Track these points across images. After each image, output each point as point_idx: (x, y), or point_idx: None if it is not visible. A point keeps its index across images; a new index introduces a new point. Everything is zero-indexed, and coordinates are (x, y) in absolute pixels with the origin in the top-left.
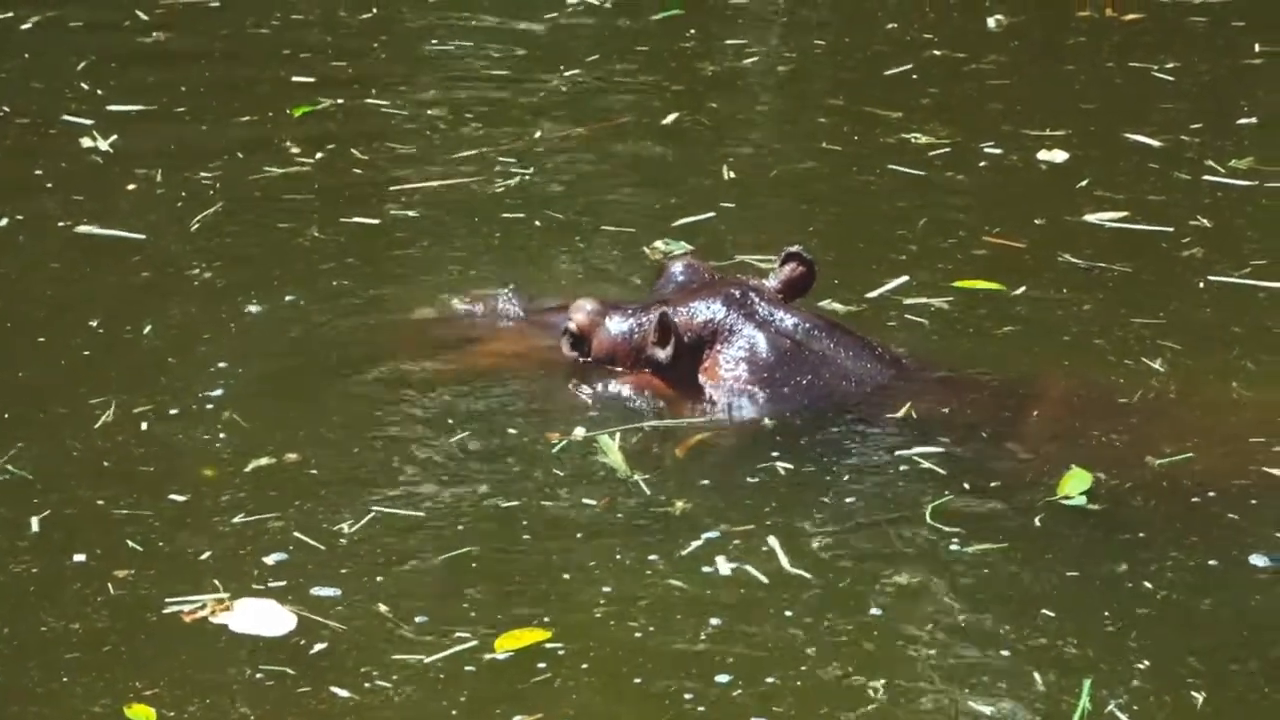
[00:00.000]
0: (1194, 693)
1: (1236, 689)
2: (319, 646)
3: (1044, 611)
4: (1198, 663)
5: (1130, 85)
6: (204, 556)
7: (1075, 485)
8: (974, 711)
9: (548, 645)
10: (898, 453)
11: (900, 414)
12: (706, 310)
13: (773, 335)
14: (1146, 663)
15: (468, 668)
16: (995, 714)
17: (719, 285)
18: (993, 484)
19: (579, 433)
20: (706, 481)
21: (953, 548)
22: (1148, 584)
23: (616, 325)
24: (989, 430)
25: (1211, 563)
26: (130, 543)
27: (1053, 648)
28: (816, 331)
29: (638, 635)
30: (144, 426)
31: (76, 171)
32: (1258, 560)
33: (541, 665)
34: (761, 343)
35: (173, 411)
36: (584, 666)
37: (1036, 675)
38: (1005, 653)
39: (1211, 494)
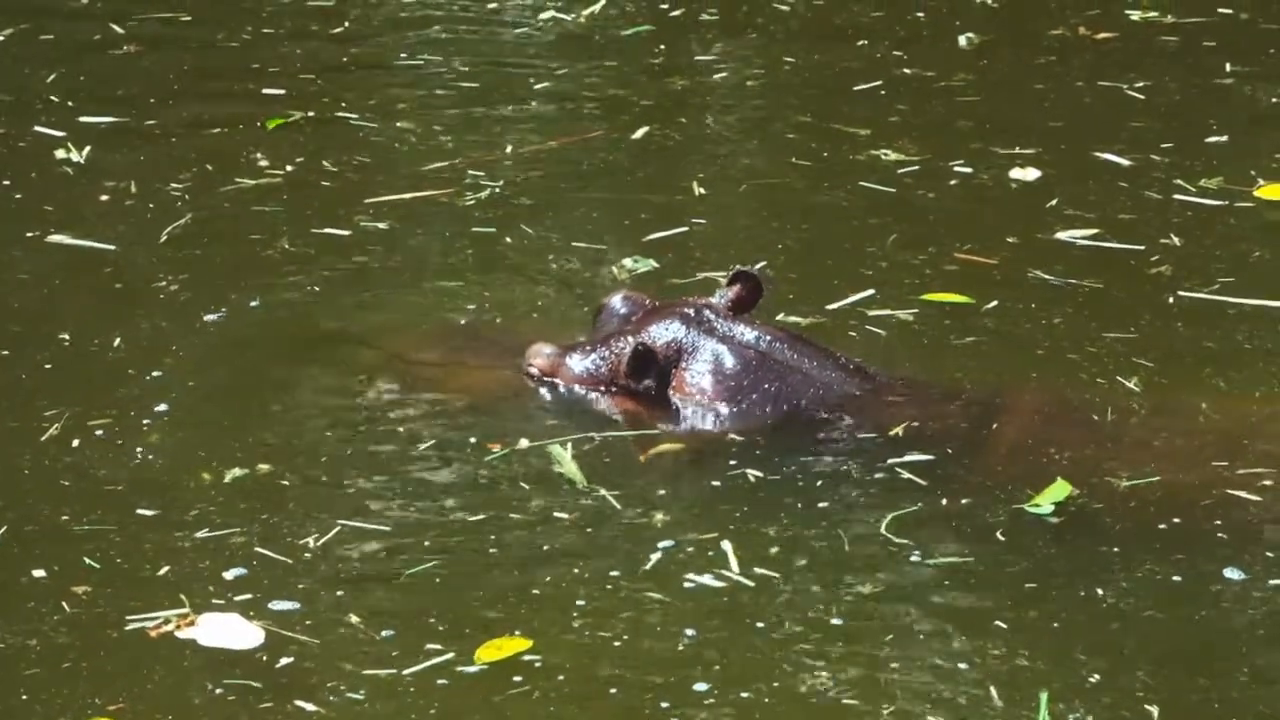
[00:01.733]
0: (1148, 705)
1: (1191, 702)
2: (286, 660)
3: (999, 624)
4: (1151, 676)
5: (1101, 104)
6: (166, 571)
7: (1052, 496)
8: None
9: (523, 658)
10: (864, 462)
11: (867, 424)
12: (666, 331)
13: (736, 348)
14: (1099, 676)
15: (440, 680)
16: None
17: (673, 307)
18: (959, 495)
19: (523, 443)
20: (672, 491)
21: (913, 558)
22: (1107, 597)
23: (579, 364)
24: (957, 441)
25: (1175, 578)
26: (88, 559)
27: (1008, 662)
28: (778, 343)
29: (615, 645)
30: (110, 439)
31: (46, 183)
32: (1231, 574)
33: (516, 678)
34: (726, 356)
35: (141, 423)
36: (559, 678)
37: (993, 690)
38: (963, 665)
39: (1177, 509)
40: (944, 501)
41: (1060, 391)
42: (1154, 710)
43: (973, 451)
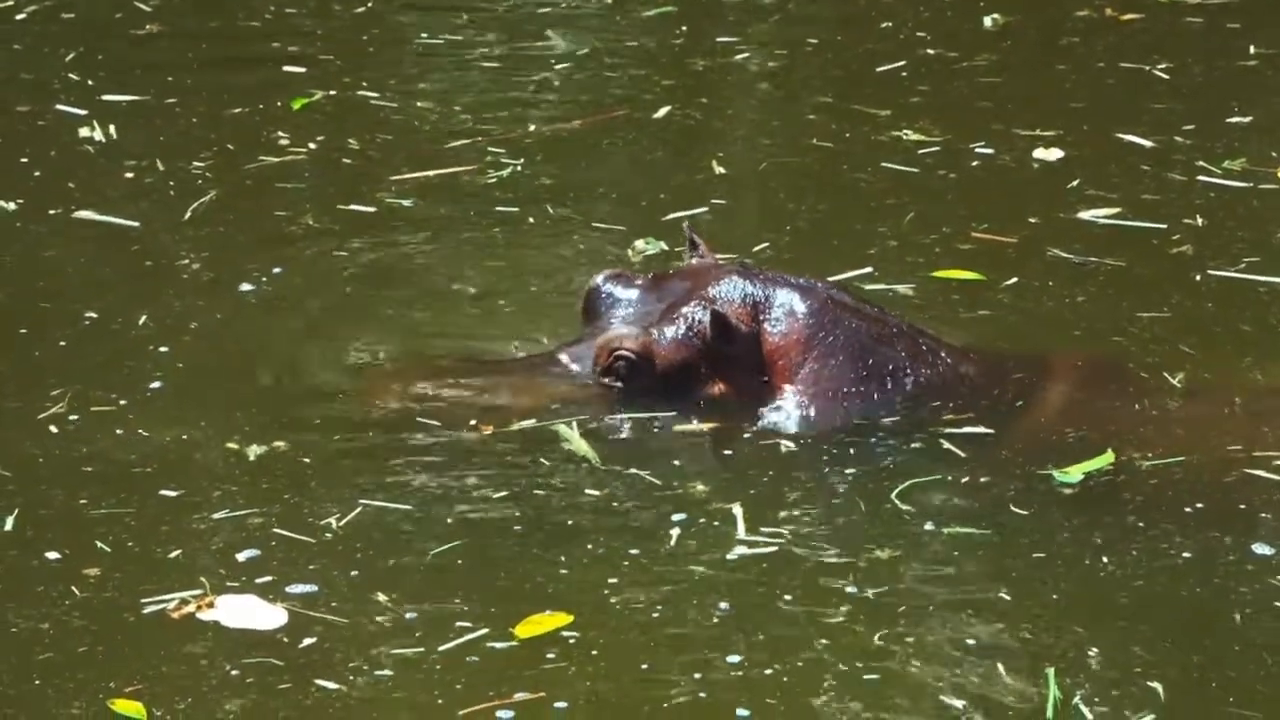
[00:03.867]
0: (1152, 682)
1: (1195, 679)
2: (309, 641)
3: (1004, 596)
4: (1153, 651)
5: (1124, 85)
6: (180, 553)
7: (1089, 466)
8: (948, 705)
9: (555, 634)
10: (903, 430)
11: (919, 391)
12: (734, 290)
13: (810, 294)
14: (1097, 651)
15: (471, 657)
16: (968, 706)
17: (709, 271)
18: (987, 465)
19: (520, 424)
20: (695, 465)
21: (928, 528)
22: (1115, 571)
23: (672, 331)
24: (1002, 410)
25: (1186, 555)
26: (100, 543)
27: (1014, 636)
28: (837, 292)
29: (647, 619)
30: (127, 419)
31: (69, 161)
32: (1253, 551)
33: (549, 654)
34: (799, 302)
35: (158, 403)
36: (593, 653)
37: (1001, 666)
38: (971, 642)
39: (1200, 487)
40: (971, 472)
41: (1113, 362)
42: (1159, 687)
43: (1014, 422)
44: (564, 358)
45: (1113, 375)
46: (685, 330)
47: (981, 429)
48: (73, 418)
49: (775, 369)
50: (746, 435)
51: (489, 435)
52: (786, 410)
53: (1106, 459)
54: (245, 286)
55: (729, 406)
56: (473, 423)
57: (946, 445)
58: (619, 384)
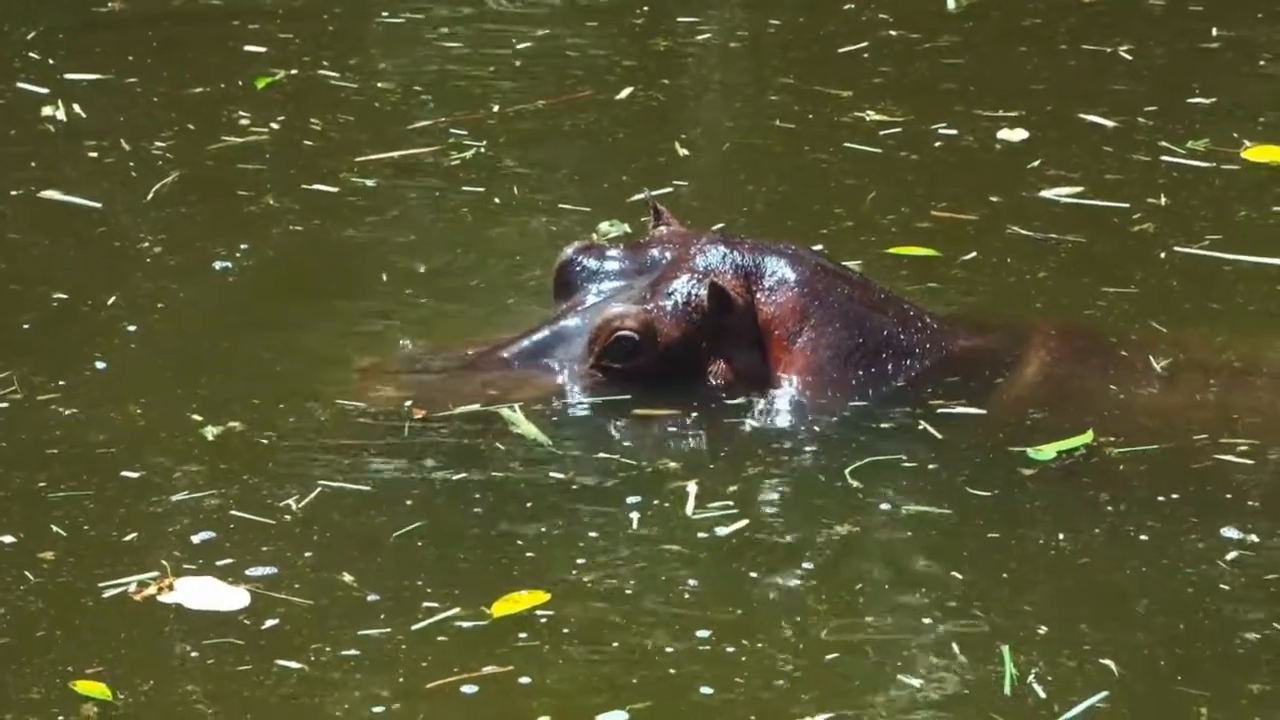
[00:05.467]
0: (1104, 660)
1: (1143, 656)
2: (272, 622)
3: (956, 575)
4: (1100, 629)
5: (1086, 67)
6: (146, 534)
7: (1066, 445)
8: (905, 685)
9: (521, 615)
10: (878, 409)
11: (905, 366)
12: (724, 261)
13: (799, 261)
14: (1054, 630)
15: (440, 637)
16: (923, 685)
17: (689, 239)
18: (954, 444)
19: (458, 409)
20: (655, 446)
21: (884, 508)
22: (1066, 550)
23: (670, 305)
24: (980, 380)
25: (1143, 537)
26: (56, 526)
27: (965, 614)
28: (824, 260)
29: (617, 598)
30: (84, 400)
31: (30, 140)
32: (1226, 532)
33: (521, 634)
34: (789, 270)
35: (117, 383)
36: (564, 631)
37: (955, 646)
38: (927, 620)
39: (1164, 470)
40: (944, 449)
41: (1096, 336)
42: (1111, 664)
43: (994, 397)
44: (541, 340)
45: (1095, 350)
46: (683, 304)
47: (962, 404)
48: (26, 399)
49: (772, 339)
50: (724, 411)
51: (442, 419)
52: (784, 384)
53: (1085, 438)
54: (208, 267)
55: (727, 383)
56: (419, 414)
57: (922, 424)
58: (616, 366)
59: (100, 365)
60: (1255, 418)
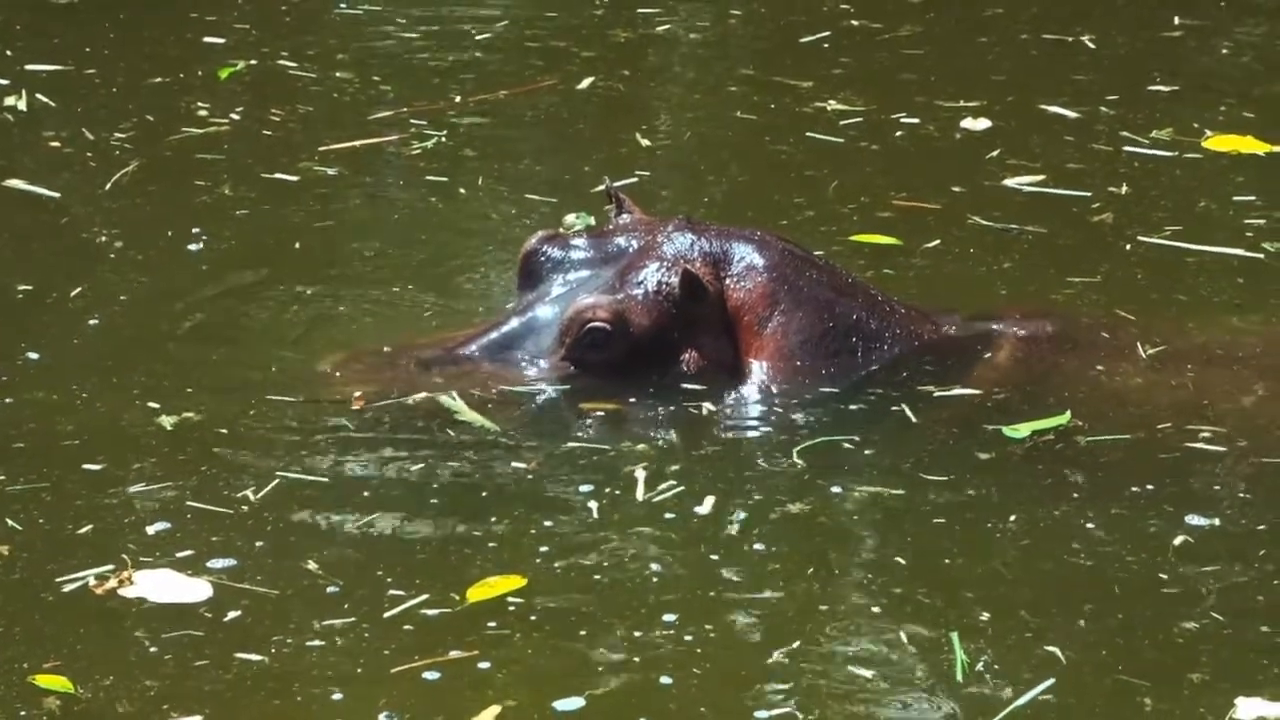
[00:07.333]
0: (1050, 646)
1: (1088, 643)
2: (234, 614)
3: (899, 560)
4: (1041, 616)
5: (1047, 56)
6: (103, 527)
7: (1041, 425)
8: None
9: (488, 604)
10: (848, 393)
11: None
12: (692, 248)
13: (768, 247)
14: (998, 618)
15: (407, 626)
16: (876, 676)
17: (653, 227)
18: (919, 426)
19: (408, 399)
20: (608, 432)
21: (835, 490)
22: (1019, 536)
23: (640, 293)
24: (945, 364)
25: (1089, 525)
26: (11, 520)
27: (910, 602)
28: (791, 244)
29: (587, 583)
30: (42, 392)
31: None
32: (1189, 519)
33: (491, 622)
34: (757, 256)
35: (74, 376)
36: (533, 618)
37: (903, 634)
38: (875, 609)
39: (1125, 460)
40: (903, 434)
41: (1065, 319)
42: (1057, 651)
43: (959, 379)
44: (509, 332)
45: (1068, 335)
46: (654, 292)
47: (932, 388)
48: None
49: (741, 325)
50: (690, 397)
51: (399, 410)
52: (754, 370)
53: (1062, 419)
54: (169, 257)
55: (698, 371)
56: (356, 394)
57: (892, 407)
58: (587, 356)
59: (33, 356)
60: (1227, 404)
